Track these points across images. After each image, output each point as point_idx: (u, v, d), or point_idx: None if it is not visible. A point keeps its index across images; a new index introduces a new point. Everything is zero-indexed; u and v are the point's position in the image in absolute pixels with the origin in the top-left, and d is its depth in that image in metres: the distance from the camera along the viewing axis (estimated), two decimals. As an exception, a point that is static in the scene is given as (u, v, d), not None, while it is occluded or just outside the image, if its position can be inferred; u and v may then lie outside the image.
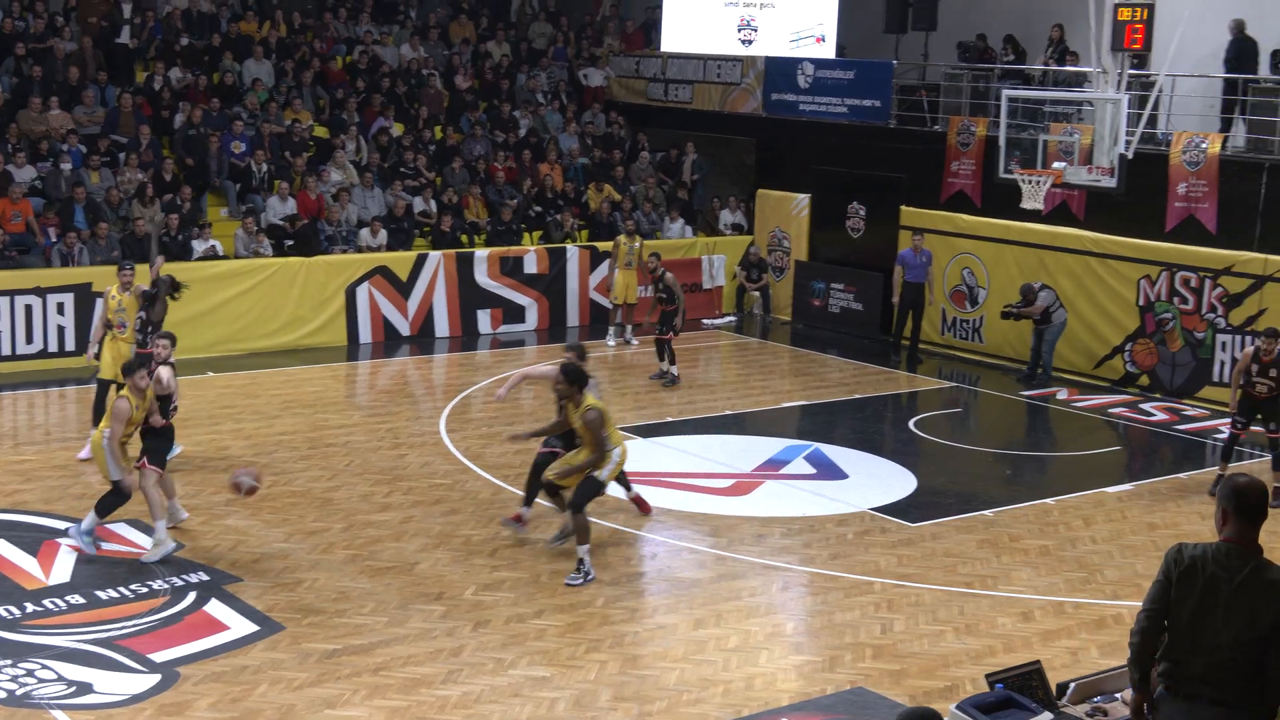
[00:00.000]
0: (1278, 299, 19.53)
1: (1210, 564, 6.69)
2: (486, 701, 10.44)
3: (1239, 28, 20.97)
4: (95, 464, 13.89)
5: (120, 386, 14.08)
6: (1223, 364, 20.05)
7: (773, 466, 16.94)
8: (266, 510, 14.67)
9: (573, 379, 13.13)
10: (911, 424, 19.24)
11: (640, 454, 17.13)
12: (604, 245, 24.94)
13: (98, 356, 16.62)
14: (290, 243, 22.85)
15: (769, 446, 17.72)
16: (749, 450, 17.57)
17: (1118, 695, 8.22)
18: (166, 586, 12.46)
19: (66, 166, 22.63)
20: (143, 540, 13.49)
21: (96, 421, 15.86)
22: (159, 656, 11.05)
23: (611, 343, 23.38)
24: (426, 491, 15.51)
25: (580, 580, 12.85)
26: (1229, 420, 16.28)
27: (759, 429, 18.76)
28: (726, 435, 18.44)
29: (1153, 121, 20.47)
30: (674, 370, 20.70)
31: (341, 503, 15.04)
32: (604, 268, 24.78)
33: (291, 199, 23.44)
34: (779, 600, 12.95)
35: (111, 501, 13.32)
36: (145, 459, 13.46)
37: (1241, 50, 21.42)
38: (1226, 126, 21.63)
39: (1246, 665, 6.60)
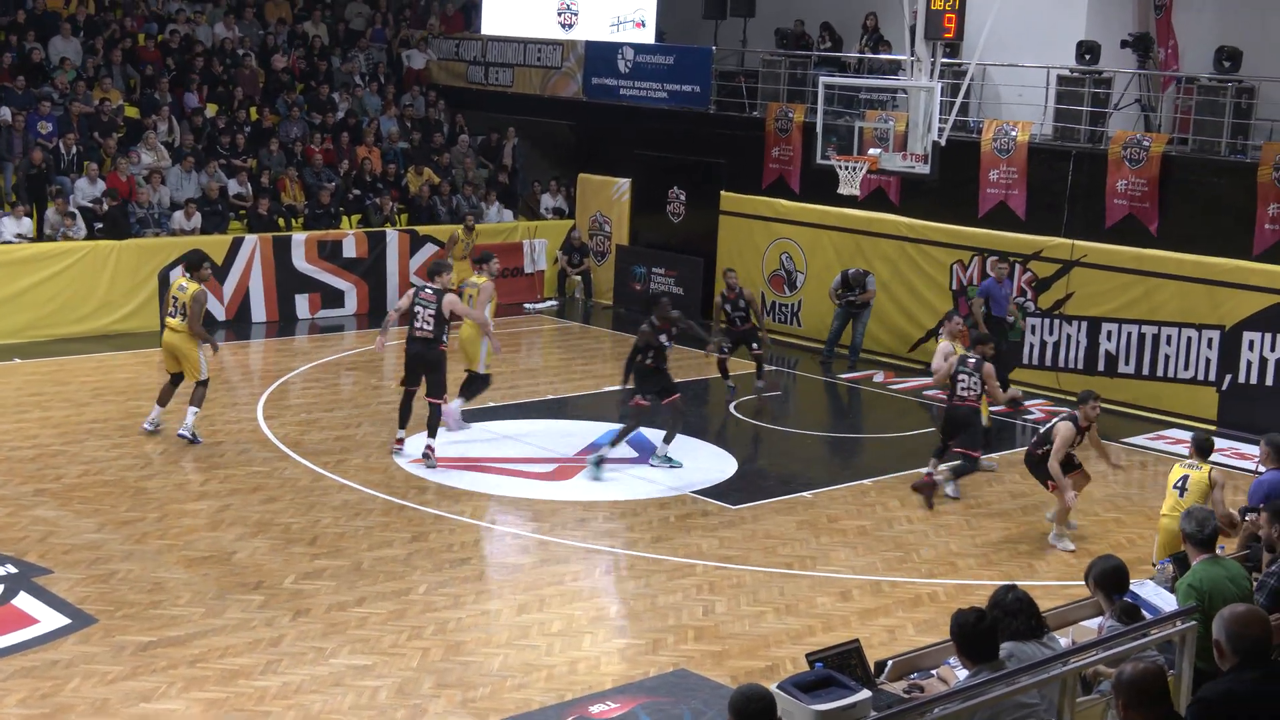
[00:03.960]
0: (1084, 282, 20.10)
1: None
2: (307, 692, 10.31)
3: None
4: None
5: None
6: (1032, 346, 20.57)
7: (595, 450, 16.97)
8: (77, 500, 14.31)
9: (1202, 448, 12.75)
10: (732, 407, 19.39)
11: (462, 440, 17.06)
12: (424, 229, 24.75)
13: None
14: (100, 225, 22.27)
15: (591, 430, 17.74)
16: (571, 434, 17.58)
17: (934, 671, 8.39)
18: (-28, 580, 12.10)
19: None
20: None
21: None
22: (-35, 652, 10.73)
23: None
24: (244, 479, 15.26)
25: None
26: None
27: (581, 413, 18.78)
28: (549, 420, 18.42)
29: (965, 109, 20.90)
30: (761, 384, 19.73)
31: (156, 492, 14.73)
32: (425, 252, 24.56)
33: (101, 180, 22.84)
34: (602, 584, 12.99)
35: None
36: None
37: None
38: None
39: None
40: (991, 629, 7.35)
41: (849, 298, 21.90)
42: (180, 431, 16.47)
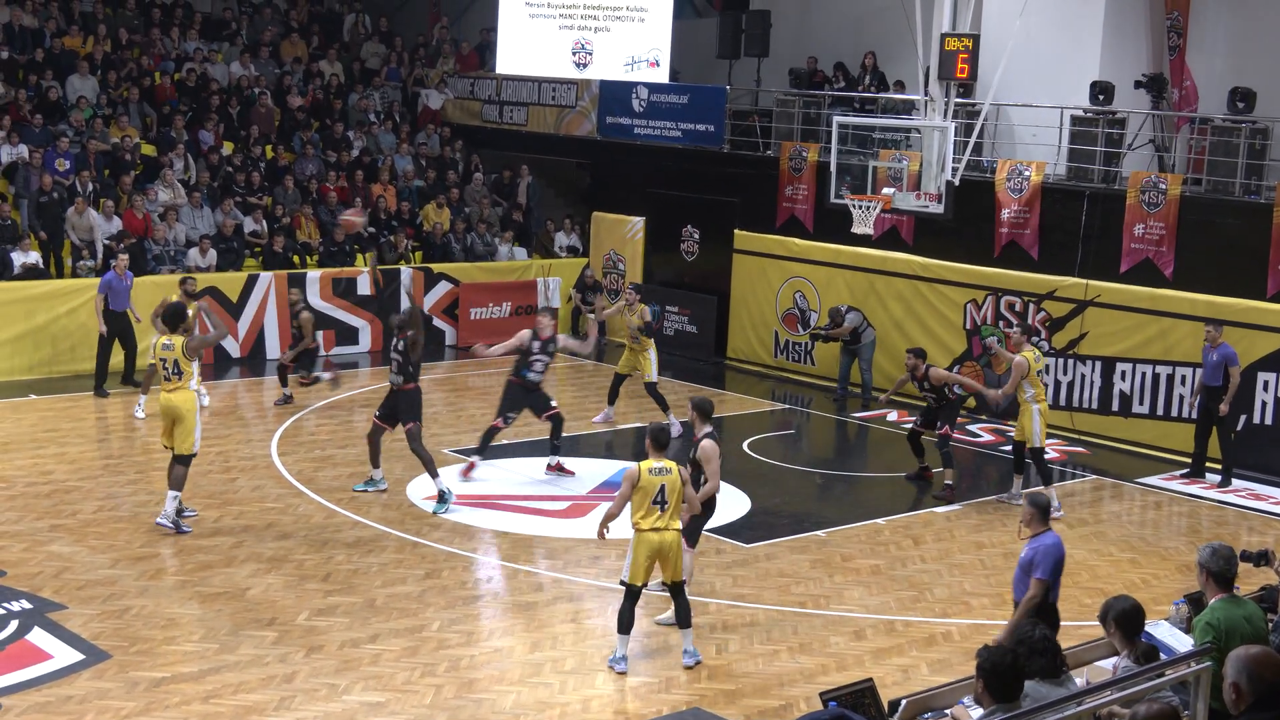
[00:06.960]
0: (1098, 323, 20.09)
1: None
2: (320, 728, 10.31)
3: None
4: None
5: None
6: (1046, 386, 20.47)
7: (608, 489, 16.93)
8: (92, 536, 14.33)
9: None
10: (745, 446, 19.38)
11: (475, 477, 17.06)
12: (438, 266, 24.84)
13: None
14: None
15: (604, 469, 17.75)
16: (585, 472, 17.58)
17: (948, 711, 8.37)
18: (-13, 615, 12.10)
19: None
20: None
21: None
22: (-21, 687, 10.73)
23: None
24: (258, 515, 15.27)
25: None
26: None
27: (594, 451, 18.78)
28: (563, 458, 18.40)
29: (979, 149, 20.94)
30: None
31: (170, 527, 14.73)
32: (440, 289, 24.70)
33: (117, 218, 22.94)
34: (615, 622, 12.94)
35: None
36: None
37: None
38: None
39: None
40: (1022, 670, 7.39)
41: (816, 332, 22.07)
42: (159, 520, 14.66)
